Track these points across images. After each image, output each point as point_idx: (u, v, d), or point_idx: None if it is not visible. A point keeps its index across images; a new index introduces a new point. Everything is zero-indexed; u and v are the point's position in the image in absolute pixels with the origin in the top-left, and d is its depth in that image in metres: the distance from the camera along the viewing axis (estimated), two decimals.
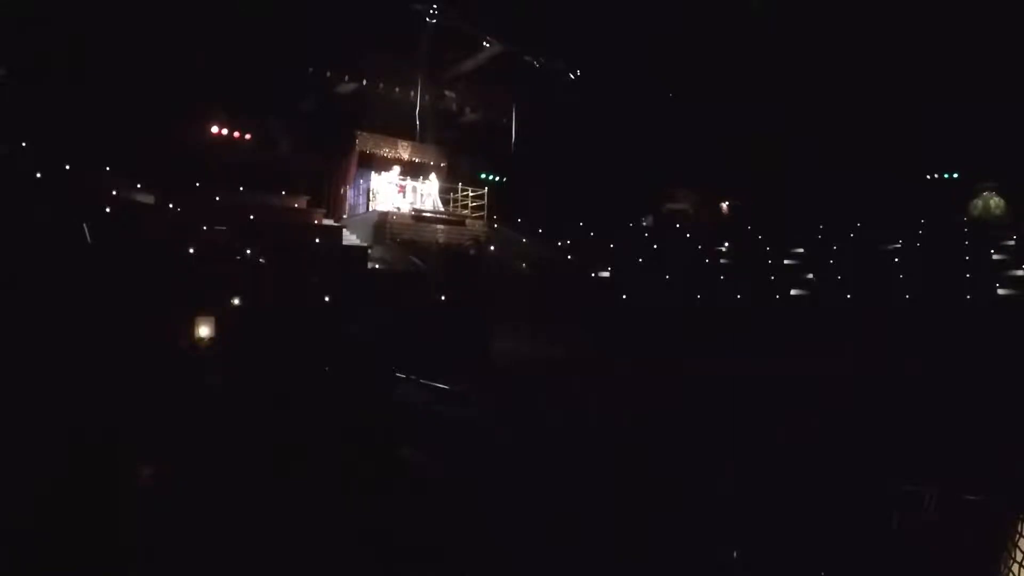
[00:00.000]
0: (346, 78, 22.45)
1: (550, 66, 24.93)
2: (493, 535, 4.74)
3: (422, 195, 23.16)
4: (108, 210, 14.21)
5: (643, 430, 7.23)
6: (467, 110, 25.58)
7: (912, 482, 4.38)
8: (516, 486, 5.41)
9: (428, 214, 21.90)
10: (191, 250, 13.42)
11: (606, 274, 21.55)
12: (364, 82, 22.79)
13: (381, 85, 23.18)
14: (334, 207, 21.40)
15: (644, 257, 23.02)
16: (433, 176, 23.52)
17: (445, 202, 23.32)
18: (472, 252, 20.02)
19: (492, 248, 20.86)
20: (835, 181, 24.48)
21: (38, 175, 14.19)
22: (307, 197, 20.80)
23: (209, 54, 17.43)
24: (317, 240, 17.89)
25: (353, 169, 21.92)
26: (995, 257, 21.17)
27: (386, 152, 22.58)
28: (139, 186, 16.71)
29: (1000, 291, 18.64)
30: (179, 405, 6.48)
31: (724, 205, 29.63)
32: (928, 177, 26.79)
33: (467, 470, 5.90)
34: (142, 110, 16.32)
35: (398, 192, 22.48)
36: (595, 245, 23.78)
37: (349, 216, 21.37)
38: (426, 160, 23.56)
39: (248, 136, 20.18)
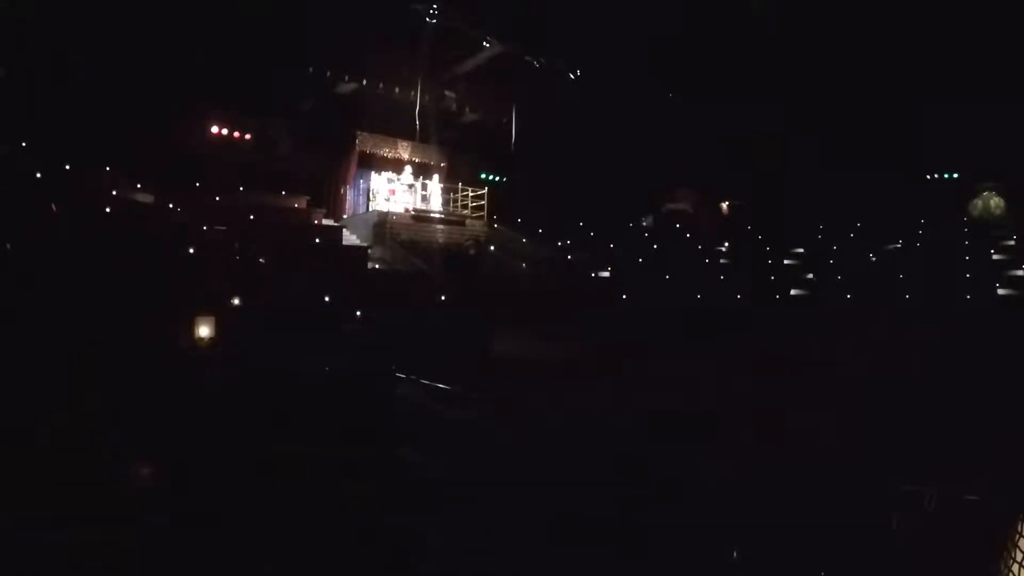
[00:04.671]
0: (346, 78, 22.47)
1: (550, 66, 24.93)
2: (493, 535, 4.74)
3: (423, 195, 23.18)
4: (108, 210, 14.23)
5: (643, 430, 7.23)
6: (467, 110, 25.59)
7: (912, 482, 4.37)
8: (516, 486, 5.40)
9: (428, 214, 21.91)
10: (191, 250, 13.42)
11: (606, 274, 21.55)
12: (364, 82, 22.81)
13: (381, 85, 23.19)
14: (334, 207, 21.44)
15: (644, 257, 23.03)
16: (434, 176, 23.53)
17: (445, 202, 23.33)
18: (472, 252, 20.01)
19: (492, 248, 20.87)
20: (835, 181, 24.51)
21: (38, 175, 14.20)
22: (307, 197, 20.82)
23: (209, 54, 17.44)
24: (317, 240, 17.90)
25: (353, 169, 21.95)
26: (995, 257, 21.20)
27: (386, 152, 22.61)
28: (139, 186, 16.73)
29: (1000, 291, 18.66)
30: (179, 405, 6.48)
31: (724, 205, 29.65)
32: (928, 177, 26.84)
33: (467, 470, 5.89)
34: (142, 110, 16.34)
35: (391, 194, 22.50)
36: (595, 245, 23.78)
37: (349, 216, 21.38)
38: (426, 160, 23.58)
39: (248, 136, 20.22)
